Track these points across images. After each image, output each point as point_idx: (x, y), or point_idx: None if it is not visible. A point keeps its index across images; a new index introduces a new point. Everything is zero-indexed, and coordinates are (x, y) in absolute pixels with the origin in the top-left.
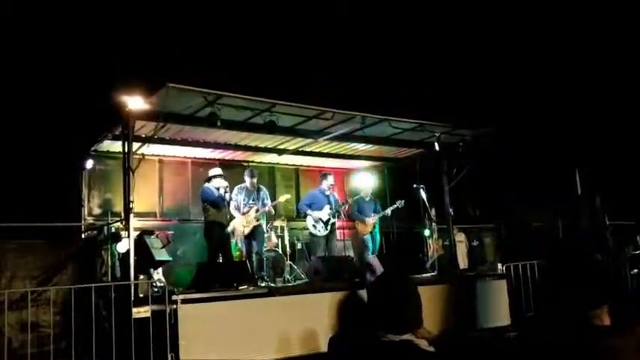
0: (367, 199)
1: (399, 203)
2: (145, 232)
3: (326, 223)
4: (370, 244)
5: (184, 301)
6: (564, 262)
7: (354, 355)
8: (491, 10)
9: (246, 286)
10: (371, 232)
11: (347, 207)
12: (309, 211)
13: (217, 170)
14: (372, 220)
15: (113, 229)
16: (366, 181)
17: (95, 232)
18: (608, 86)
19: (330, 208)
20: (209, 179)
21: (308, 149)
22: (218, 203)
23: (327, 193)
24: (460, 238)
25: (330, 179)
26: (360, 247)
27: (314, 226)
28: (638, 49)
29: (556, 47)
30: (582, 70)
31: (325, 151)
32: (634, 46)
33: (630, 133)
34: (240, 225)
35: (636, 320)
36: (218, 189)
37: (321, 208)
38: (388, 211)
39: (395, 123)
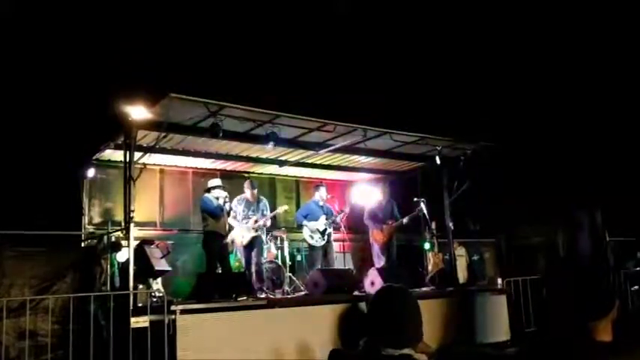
0: (384, 202)
1: (419, 210)
2: (144, 242)
3: (322, 233)
4: (383, 257)
5: (183, 312)
6: (563, 273)
7: None
8: (497, 24)
9: (245, 298)
10: (387, 242)
11: (343, 216)
12: (304, 222)
13: (217, 181)
14: (389, 227)
15: (113, 239)
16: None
17: (95, 241)
18: (607, 102)
19: (327, 218)
20: (209, 190)
21: (309, 161)
22: (216, 213)
23: (322, 204)
24: (460, 252)
25: (323, 190)
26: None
27: (311, 236)
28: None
29: (557, 61)
30: (584, 83)
31: (326, 163)
32: (634, 50)
33: (631, 147)
34: (238, 235)
35: (637, 338)
36: (217, 199)
37: (316, 219)
38: (406, 219)
39: (396, 136)
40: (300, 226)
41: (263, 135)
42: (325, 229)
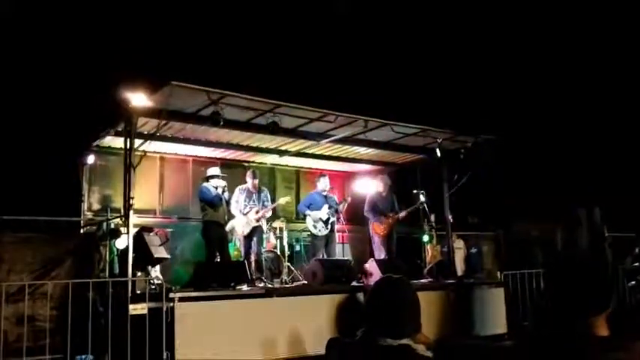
0: (384, 194)
1: (419, 204)
2: (144, 229)
3: (326, 222)
4: (383, 249)
5: (181, 300)
6: (562, 268)
7: (351, 359)
8: (500, 19)
9: (243, 287)
10: (387, 235)
11: (344, 206)
12: (307, 212)
13: (215, 170)
14: (389, 220)
15: (112, 225)
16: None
17: (94, 227)
18: (609, 99)
19: (329, 208)
20: (207, 179)
21: (309, 151)
22: (215, 203)
23: (325, 193)
24: (459, 244)
25: (325, 180)
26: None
27: (314, 226)
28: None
29: (558, 59)
30: (584, 81)
31: (327, 153)
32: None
33: (630, 144)
34: (239, 225)
35: (635, 334)
36: (216, 188)
37: (319, 208)
38: (403, 213)
39: (397, 128)
40: (299, 216)
41: (264, 124)
42: (328, 219)
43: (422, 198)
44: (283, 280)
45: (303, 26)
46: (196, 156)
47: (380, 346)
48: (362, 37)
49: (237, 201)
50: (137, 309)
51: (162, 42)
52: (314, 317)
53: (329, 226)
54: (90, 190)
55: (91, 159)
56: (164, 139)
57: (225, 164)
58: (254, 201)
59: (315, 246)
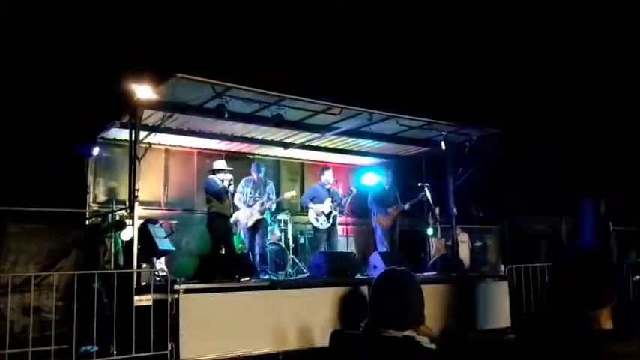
0: (387, 187)
1: (422, 196)
2: (149, 221)
3: (328, 216)
4: (385, 241)
5: (186, 291)
6: (567, 262)
7: (355, 350)
8: (506, 13)
9: (248, 279)
10: (391, 227)
11: (349, 199)
12: (310, 204)
13: (222, 164)
14: (394, 211)
15: (117, 217)
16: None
17: (99, 219)
18: (614, 93)
19: (332, 201)
20: (214, 172)
21: (314, 144)
22: (221, 195)
23: (328, 187)
24: (463, 238)
25: (329, 174)
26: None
27: (316, 219)
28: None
29: (563, 53)
30: (590, 74)
31: (331, 146)
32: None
33: (635, 137)
34: (244, 217)
35: (638, 326)
36: (222, 181)
37: (322, 202)
38: (407, 205)
39: (402, 120)
40: (303, 209)
41: (269, 117)
42: (331, 212)
43: (426, 191)
44: (287, 273)
45: (308, 18)
46: (201, 148)
47: (383, 338)
48: (367, 29)
49: (243, 192)
50: (142, 300)
51: (167, 34)
52: (317, 309)
53: (331, 220)
54: (95, 182)
55: (96, 151)
56: (169, 131)
57: (230, 157)
58: (259, 193)
59: (317, 238)
